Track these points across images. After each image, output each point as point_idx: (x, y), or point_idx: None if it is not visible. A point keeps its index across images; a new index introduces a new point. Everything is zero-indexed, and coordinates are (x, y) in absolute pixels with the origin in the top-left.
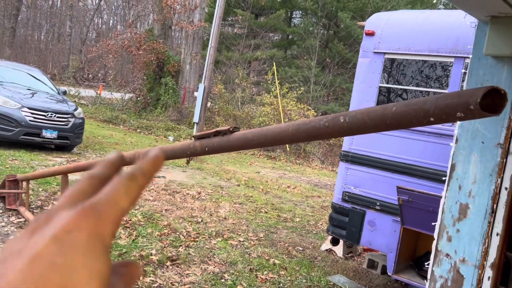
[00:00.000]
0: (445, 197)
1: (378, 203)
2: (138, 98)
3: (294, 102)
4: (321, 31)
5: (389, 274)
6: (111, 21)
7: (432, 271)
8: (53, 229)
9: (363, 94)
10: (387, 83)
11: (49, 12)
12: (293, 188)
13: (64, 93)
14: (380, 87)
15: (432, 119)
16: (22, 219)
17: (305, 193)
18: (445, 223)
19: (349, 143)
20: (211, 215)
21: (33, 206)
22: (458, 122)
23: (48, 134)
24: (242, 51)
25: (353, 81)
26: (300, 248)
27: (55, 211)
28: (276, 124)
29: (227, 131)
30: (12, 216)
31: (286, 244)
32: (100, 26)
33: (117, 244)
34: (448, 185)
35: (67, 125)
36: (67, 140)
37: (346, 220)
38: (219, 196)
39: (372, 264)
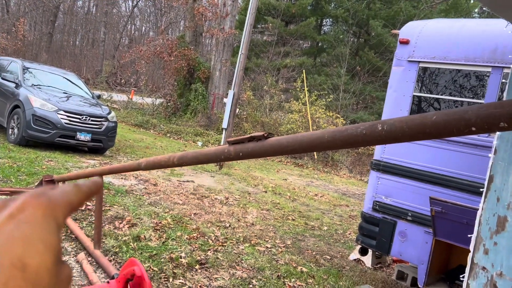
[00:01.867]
0: (482, 209)
1: (409, 214)
2: (169, 103)
3: (323, 110)
4: (352, 39)
5: (419, 286)
6: (143, 28)
7: (468, 284)
8: (9, 209)
9: (396, 103)
10: (421, 92)
11: (85, 18)
12: (320, 196)
13: (99, 97)
14: (413, 96)
15: (473, 128)
16: None
17: (332, 202)
18: (482, 235)
19: (381, 152)
20: (238, 220)
21: None
22: (497, 133)
23: (82, 137)
24: (272, 58)
25: (383, 89)
26: (328, 257)
27: (9, 199)
28: (311, 131)
29: (262, 136)
30: None
31: (314, 252)
32: (133, 32)
33: (148, 246)
34: (485, 197)
35: (100, 128)
36: (100, 143)
37: (376, 230)
38: (247, 202)
39: (401, 276)
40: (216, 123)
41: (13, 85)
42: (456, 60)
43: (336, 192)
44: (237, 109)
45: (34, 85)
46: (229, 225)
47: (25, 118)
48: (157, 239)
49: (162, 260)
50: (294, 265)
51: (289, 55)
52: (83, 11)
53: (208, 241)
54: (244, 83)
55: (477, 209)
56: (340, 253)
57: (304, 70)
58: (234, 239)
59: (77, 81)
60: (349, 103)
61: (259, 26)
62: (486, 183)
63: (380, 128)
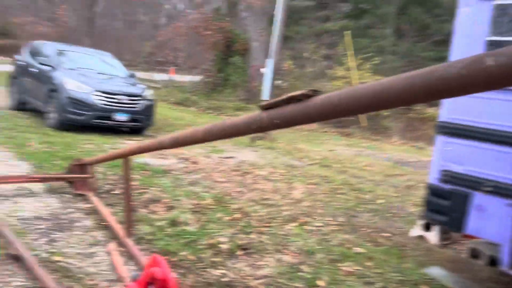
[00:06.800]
0: None
1: (488, 184)
2: (208, 79)
3: (369, 74)
4: None
5: (503, 268)
6: (181, 5)
7: None
8: None
9: (466, 50)
10: (498, 35)
11: (123, 1)
12: (371, 167)
13: (133, 76)
14: (488, 41)
15: None
16: (90, 205)
17: (385, 172)
18: None
19: (449, 111)
20: (284, 197)
21: (101, 190)
22: None
23: (119, 117)
24: (311, 24)
25: (433, 48)
26: (386, 234)
27: None
28: (373, 82)
29: (303, 96)
30: (80, 202)
31: (370, 230)
32: (169, 10)
33: (185, 230)
34: None
35: (137, 107)
36: (138, 123)
37: (447, 204)
38: (292, 176)
39: (475, 254)
40: (257, 96)
41: (48, 68)
42: None
43: (389, 161)
44: (279, 81)
45: (69, 68)
46: (274, 203)
47: (61, 101)
48: (196, 222)
49: (199, 247)
50: (348, 246)
51: (329, 19)
52: None
53: (251, 221)
54: (283, 52)
55: None
56: (400, 229)
57: (345, 34)
58: (279, 218)
59: (112, 61)
60: (397, 65)
61: None
62: None
63: (489, 63)
